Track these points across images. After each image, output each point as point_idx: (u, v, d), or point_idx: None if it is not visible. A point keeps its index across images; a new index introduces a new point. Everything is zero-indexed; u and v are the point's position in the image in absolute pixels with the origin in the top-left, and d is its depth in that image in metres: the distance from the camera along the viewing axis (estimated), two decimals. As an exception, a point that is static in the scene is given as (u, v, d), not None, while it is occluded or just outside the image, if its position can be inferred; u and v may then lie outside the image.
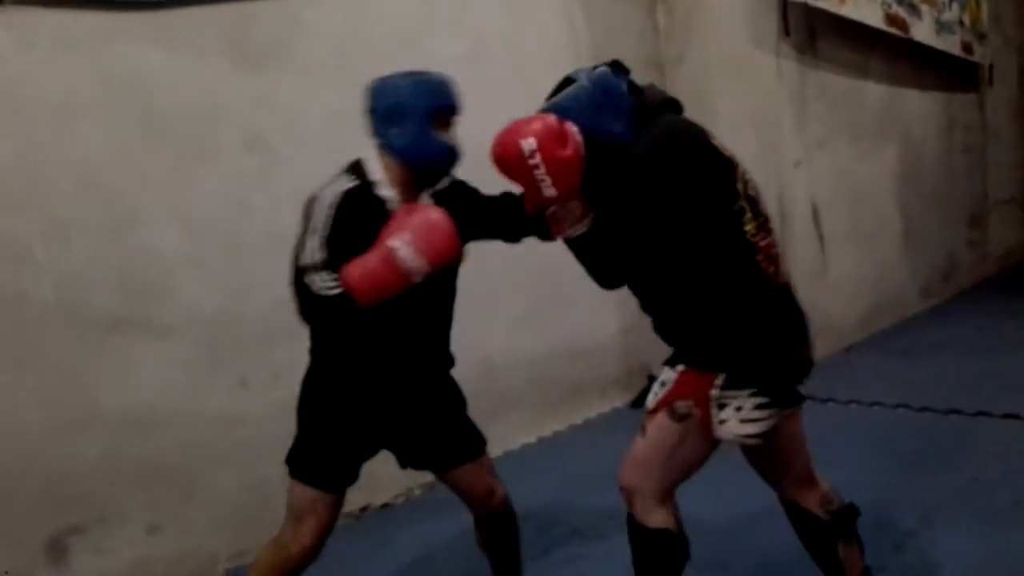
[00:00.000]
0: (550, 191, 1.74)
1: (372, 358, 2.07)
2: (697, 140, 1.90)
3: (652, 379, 5.20)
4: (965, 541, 2.69)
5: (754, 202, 1.89)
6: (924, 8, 5.99)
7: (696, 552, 2.80)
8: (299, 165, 3.20)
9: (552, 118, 1.78)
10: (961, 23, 6.69)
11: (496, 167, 1.80)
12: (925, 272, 6.64)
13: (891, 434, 3.82)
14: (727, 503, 3.20)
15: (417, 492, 3.53)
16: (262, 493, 3.05)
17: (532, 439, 4.15)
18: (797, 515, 2.20)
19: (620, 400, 4.69)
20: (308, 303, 1.89)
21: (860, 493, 3.11)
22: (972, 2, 6.91)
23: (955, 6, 6.55)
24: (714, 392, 1.84)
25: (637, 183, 1.78)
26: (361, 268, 1.77)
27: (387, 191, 1.95)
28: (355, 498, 3.33)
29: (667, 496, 2.01)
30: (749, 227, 1.85)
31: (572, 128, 1.78)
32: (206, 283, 2.94)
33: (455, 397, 2.25)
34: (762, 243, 1.87)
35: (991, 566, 2.51)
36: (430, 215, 1.83)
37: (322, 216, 1.86)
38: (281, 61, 3.20)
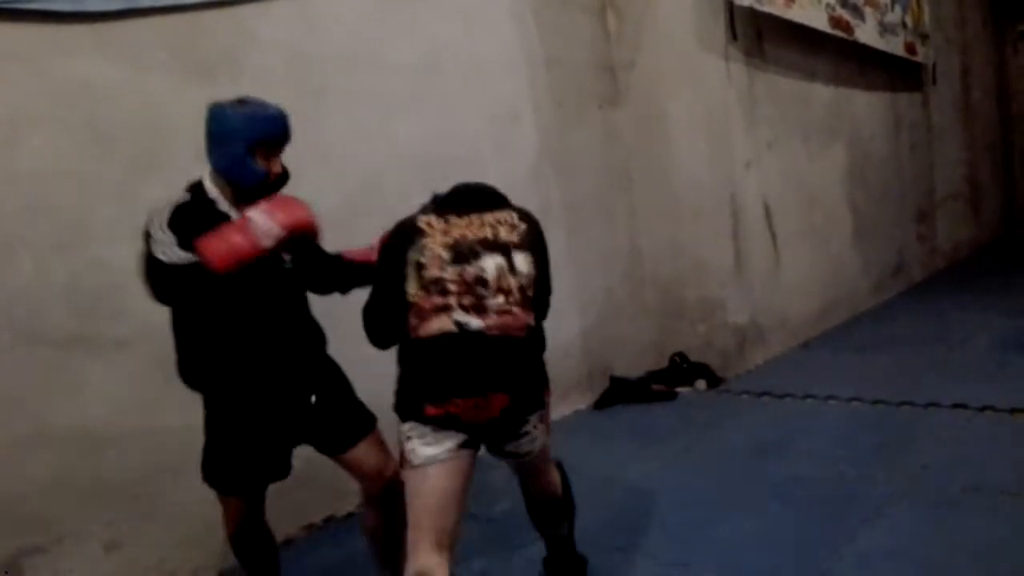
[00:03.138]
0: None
1: (234, 341, 2.21)
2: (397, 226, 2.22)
3: (614, 380, 5.22)
4: (918, 528, 2.77)
5: (424, 266, 2.09)
6: (867, 10, 6.14)
7: (655, 550, 2.86)
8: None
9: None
10: (904, 24, 6.87)
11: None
12: (876, 268, 6.79)
13: (846, 427, 3.91)
14: (685, 500, 3.25)
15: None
16: (220, 507, 3.02)
17: (495, 444, 4.16)
18: None
19: (582, 402, 4.72)
20: (162, 278, 2.06)
21: (816, 484, 3.21)
22: (914, 4, 7.10)
23: (897, 8, 6.72)
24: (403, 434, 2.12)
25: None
26: (214, 235, 2.00)
27: (222, 204, 2.20)
28: (319, 508, 3.34)
29: None
30: (411, 291, 2.09)
31: None
32: (160, 297, 2.90)
33: (336, 377, 2.40)
34: (438, 300, 2.07)
35: (945, 552, 2.58)
36: (285, 196, 2.15)
37: (161, 223, 2.08)
38: (232, 72, 3.18)
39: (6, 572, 2.50)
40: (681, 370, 4.93)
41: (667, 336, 5.16)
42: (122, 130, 2.86)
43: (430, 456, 2.05)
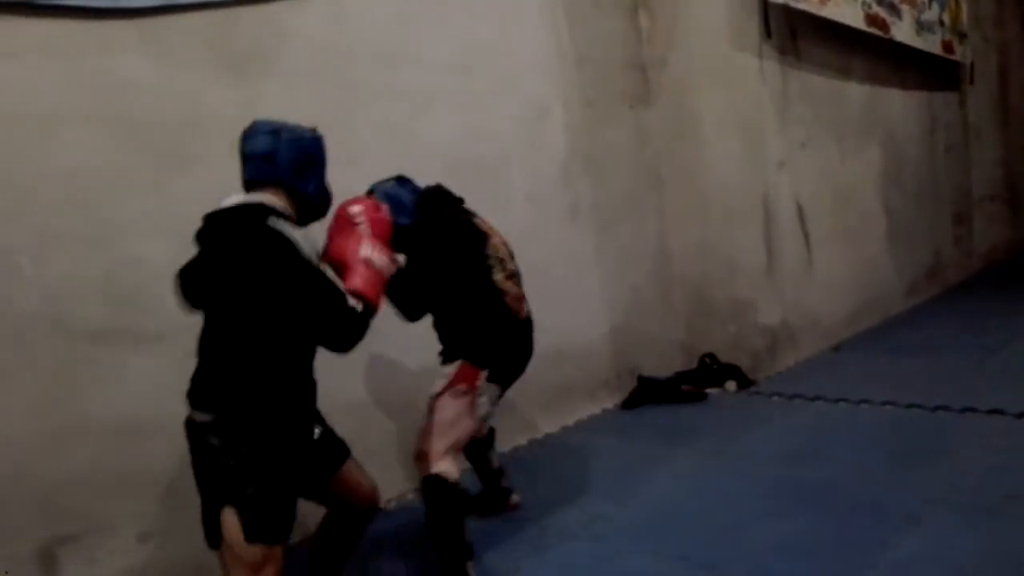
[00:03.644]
0: (362, 251, 2.21)
1: (308, 386, 2.17)
2: (460, 221, 2.84)
3: (642, 380, 5.20)
4: (954, 536, 2.71)
5: (503, 261, 2.81)
6: (904, 8, 6.04)
7: (686, 551, 2.83)
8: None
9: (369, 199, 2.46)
10: (941, 23, 6.76)
11: (333, 226, 2.28)
12: (911, 270, 6.69)
13: (879, 431, 3.84)
14: (716, 504, 3.22)
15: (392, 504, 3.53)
16: (252, 501, 3.04)
17: (523, 441, 4.16)
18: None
19: (610, 402, 4.70)
20: (351, 328, 2.06)
21: (849, 490, 3.16)
22: (952, 2, 6.97)
23: (935, 6, 6.61)
24: (480, 382, 2.71)
25: (425, 249, 2.75)
26: (364, 281, 2.11)
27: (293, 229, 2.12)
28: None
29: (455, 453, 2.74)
30: (499, 277, 2.77)
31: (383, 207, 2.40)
32: (193, 291, 2.94)
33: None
34: (512, 289, 2.81)
35: (980, 561, 2.52)
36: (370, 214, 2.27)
37: (310, 255, 2.04)
38: (265, 68, 3.20)
39: (6, 572, 2.52)
40: (711, 371, 4.89)
41: (697, 337, 5.12)
42: (157, 126, 2.90)
43: (486, 412, 2.79)
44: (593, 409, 4.58)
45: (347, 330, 2.07)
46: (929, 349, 5.26)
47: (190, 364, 2.80)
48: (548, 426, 4.32)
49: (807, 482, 3.29)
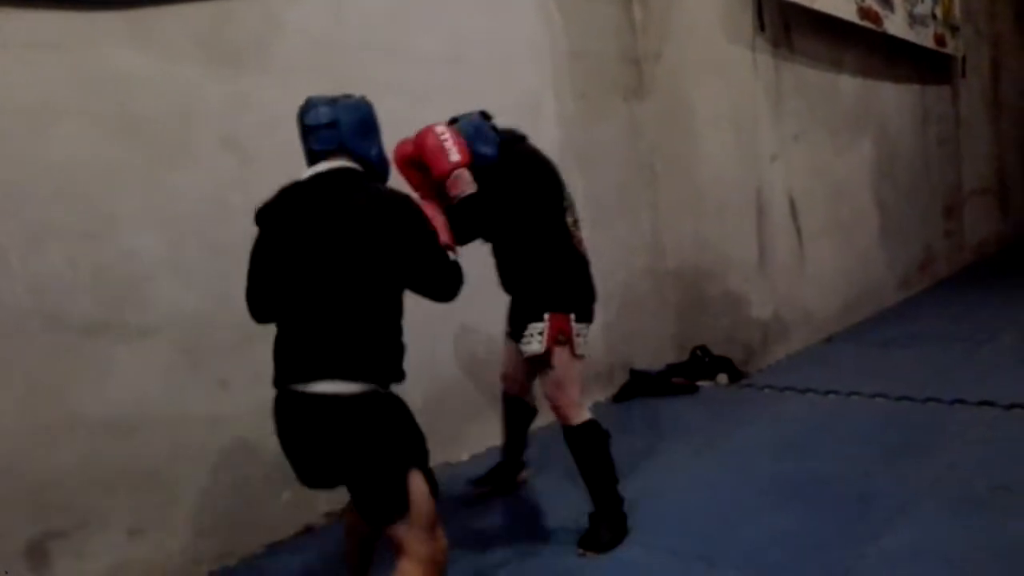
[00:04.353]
0: (456, 157, 2.43)
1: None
2: (547, 161, 2.93)
3: (634, 373, 5.22)
4: (944, 528, 2.73)
5: (572, 207, 2.91)
6: (897, 1, 6.05)
7: (677, 544, 2.85)
8: (277, 166, 3.18)
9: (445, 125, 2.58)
10: (934, 16, 6.77)
11: (416, 146, 2.49)
12: (902, 263, 6.72)
13: (870, 423, 3.86)
14: (707, 496, 3.23)
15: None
16: (244, 494, 3.05)
17: (516, 435, 4.15)
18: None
19: (602, 395, 4.71)
20: (456, 277, 2.18)
21: (839, 482, 3.18)
22: (944, -5, 6.99)
23: (928, -1, 6.62)
24: (572, 324, 2.81)
25: (516, 180, 2.77)
26: (446, 233, 2.29)
27: None
28: (340, 496, 3.34)
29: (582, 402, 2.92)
30: (569, 220, 2.86)
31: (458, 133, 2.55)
32: (184, 285, 2.93)
33: None
34: (577, 233, 2.89)
35: (970, 552, 2.55)
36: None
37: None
38: (259, 61, 3.19)
39: (6, 572, 2.52)
40: (703, 364, 4.91)
41: (689, 330, 5.13)
42: (150, 119, 2.88)
43: (583, 352, 2.87)
44: (585, 402, 4.58)
45: (453, 279, 2.18)
46: (920, 341, 5.29)
47: (180, 359, 2.78)
48: (540, 419, 4.31)
49: (798, 474, 3.31)
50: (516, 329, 2.91)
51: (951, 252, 7.65)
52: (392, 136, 3.59)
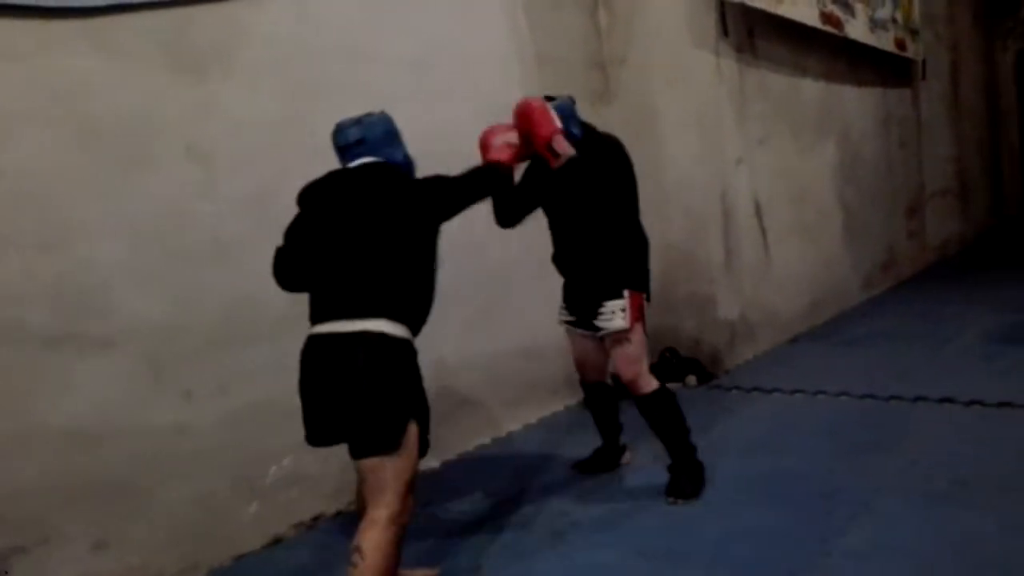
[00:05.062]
0: (557, 123, 2.77)
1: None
2: (620, 144, 3.15)
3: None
4: (907, 522, 2.78)
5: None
6: (858, 6, 6.15)
7: (645, 545, 2.87)
8: (243, 172, 3.16)
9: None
10: (894, 20, 6.89)
11: (522, 116, 2.82)
12: (866, 264, 6.82)
13: (835, 421, 3.93)
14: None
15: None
16: (209, 505, 3.01)
17: (487, 439, 4.16)
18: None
19: (573, 398, 4.71)
20: (492, 180, 2.71)
21: (804, 480, 3.23)
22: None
23: (888, 4, 6.74)
24: (645, 303, 3.13)
25: (603, 161, 3.01)
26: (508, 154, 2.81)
27: None
28: (309, 507, 3.33)
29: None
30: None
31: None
32: (147, 294, 2.88)
33: None
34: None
35: (933, 546, 2.60)
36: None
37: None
38: (223, 67, 3.15)
39: (6, 572, 2.48)
40: (671, 365, 4.94)
41: (657, 332, 5.15)
42: (111, 126, 2.83)
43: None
44: (556, 407, 4.60)
45: (491, 180, 2.66)
46: (883, 341, 5.38)
47: (142, 369, 2.75)
48: (511, 424, 4.33)
49: (764, 473, 3.35)
50: (584, 313, 3.16)
51: (914, 252, 7.79)
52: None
